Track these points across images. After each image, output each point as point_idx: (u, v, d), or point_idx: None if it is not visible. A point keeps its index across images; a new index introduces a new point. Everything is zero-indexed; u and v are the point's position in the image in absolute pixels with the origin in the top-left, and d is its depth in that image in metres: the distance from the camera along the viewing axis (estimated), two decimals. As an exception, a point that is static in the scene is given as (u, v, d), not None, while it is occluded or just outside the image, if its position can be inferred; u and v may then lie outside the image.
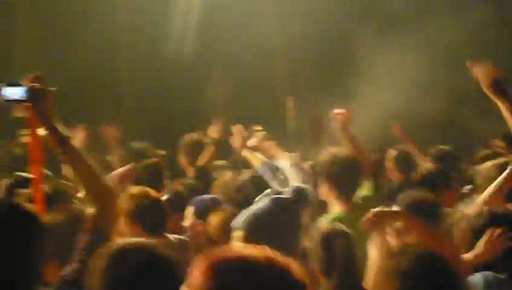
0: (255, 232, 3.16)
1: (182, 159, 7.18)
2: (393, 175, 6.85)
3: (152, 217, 4.41)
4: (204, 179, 6.36)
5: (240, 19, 10.97)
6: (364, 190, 5.41)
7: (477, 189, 4.80)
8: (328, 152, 5.20)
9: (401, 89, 7.71)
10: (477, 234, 3.59)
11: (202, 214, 4.82)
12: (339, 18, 10.74)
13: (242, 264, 1.81)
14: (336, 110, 5.68)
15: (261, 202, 3.35)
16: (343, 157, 5.08)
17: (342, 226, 3.72)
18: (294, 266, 1.84)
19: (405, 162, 6.68)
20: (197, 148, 7.07)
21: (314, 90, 10.35)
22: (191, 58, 11.56)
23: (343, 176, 4.94)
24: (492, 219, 3.60)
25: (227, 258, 1.84)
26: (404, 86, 7.77)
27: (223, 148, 7.05)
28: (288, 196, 3.43)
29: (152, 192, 4.56)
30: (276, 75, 11.97)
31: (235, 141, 6.11)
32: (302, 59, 11.19)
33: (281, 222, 3.26)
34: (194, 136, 7.38)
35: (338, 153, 5.19)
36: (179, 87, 11.61)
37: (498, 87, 3.84)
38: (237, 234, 3.21)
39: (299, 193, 3.50)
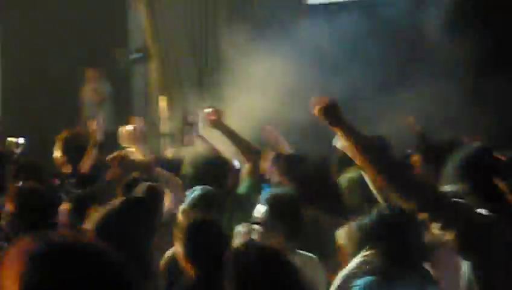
0: (103, 230, 3.20)
1: (58, 158, 7.01)
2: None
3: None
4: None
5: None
6: (245, 188, 5.53)
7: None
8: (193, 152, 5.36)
9: (272, 94, 7.84)
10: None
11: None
12: (211, 21, 10.81)
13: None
14: (206, 110, 5.81)
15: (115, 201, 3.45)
16: (205, 157, 5.26)
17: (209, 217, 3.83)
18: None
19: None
20: (73, 147, 6.95)
21: (186, 91, 10.38)
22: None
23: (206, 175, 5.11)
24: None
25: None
26: (276, 91, 7.90)
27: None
28: (139, 195, 3.56)
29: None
30: (149, 76, 11.93)
31: (124, 141, 6.11)
32: (175, 60, 11.19)
33: (129, 221, 3.31)
34: (69, 133, 7.24)
35: (201, 153, 5.38)
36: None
37: (331, 115, 3.78)
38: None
39: (151, 191, 3.63)
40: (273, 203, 4.06)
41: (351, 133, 3.68)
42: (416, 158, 6.54)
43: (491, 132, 8.28)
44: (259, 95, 7.69)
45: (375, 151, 3.65)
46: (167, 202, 4.96)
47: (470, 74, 9.45)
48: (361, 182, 4.03)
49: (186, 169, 5.55)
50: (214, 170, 5.49)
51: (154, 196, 3.83)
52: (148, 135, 8.26)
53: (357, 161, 3.63)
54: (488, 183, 3.65)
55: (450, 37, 9.27)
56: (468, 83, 9.40)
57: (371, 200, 3.85)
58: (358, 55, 9.69)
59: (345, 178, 4.91)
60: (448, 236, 3.51)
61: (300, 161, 5.74)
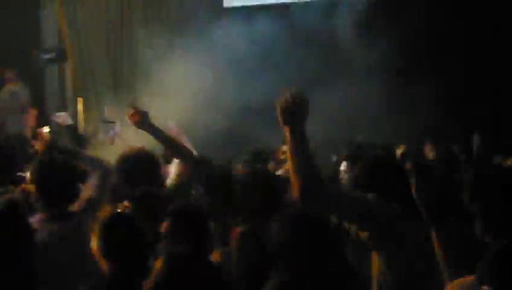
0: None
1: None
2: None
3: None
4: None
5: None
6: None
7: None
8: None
9: (188, 98, 7.81)
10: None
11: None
12: (127, 21, 10.69)
13: None
14: (128, 110, 5.71)
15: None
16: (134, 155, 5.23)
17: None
18: None
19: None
20: None
21: (102, 93, 10.26)
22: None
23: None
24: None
25: None
26: (191, 96, 7.88)
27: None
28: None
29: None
30: (64, 77, 11.73)
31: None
32: (90, 61, 11.03)
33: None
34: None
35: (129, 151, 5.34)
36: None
37: (285, 117, 3.70)
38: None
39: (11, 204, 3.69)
40: (176, 216, 4.03)
41: (298, 137, 3.67)
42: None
43: (408, 134, 8.53)
44: (174, 99, 7.65)
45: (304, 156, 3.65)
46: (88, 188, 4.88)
47: (386, 77, 9.62)
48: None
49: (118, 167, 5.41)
50: (146, 167, 5.40)
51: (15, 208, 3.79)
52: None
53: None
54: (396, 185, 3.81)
55: (365, 41, 9.41)
56: (385, 86, 9.56)
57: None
58: (274, 59, 9.73)
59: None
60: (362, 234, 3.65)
61: (204, 164, 5.71)
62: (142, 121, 5.59)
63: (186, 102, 7.68)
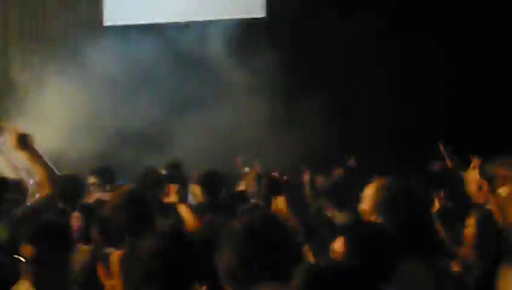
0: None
1: None
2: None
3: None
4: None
5: None
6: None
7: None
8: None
9: (62, 122, 7.62)
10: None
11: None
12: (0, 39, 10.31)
13: None
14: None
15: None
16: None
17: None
18: None
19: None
20: None
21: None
22: None
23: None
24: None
25: None
26: (66, 119, 7.69)
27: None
28: None
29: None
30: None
31: None
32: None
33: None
34: None
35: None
36: None
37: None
38: None
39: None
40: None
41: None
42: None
43: (295, 152, 8.66)
44: (48, 122, 7.44)
45: None
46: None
47: (268, 96, 9.68)
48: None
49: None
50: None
51: None
52: None
53: None
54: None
55: (244, 62, 9.48)
56: (267, 106, 9.62)
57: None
58: (153, 80, 9.66)
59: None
60: None
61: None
62: (22, 143, 5.42)
63: (61, 125, 7.49)
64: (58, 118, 7.62)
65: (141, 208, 4.21)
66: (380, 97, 9.36)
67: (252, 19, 10.13)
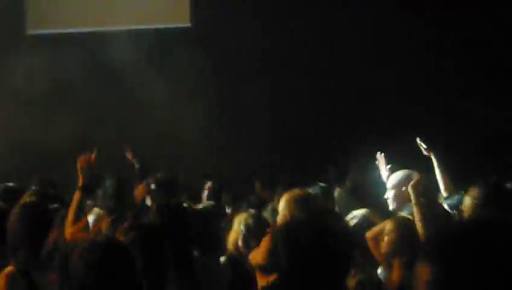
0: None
1: None
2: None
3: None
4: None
5: None
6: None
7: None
8: None
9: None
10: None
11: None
12: None
13: None
14: None
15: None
16: None
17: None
18: None
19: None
20: None
21: None
22: None
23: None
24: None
25: None
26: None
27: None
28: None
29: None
30: None
31: None
32: None
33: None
34: None
35: None
36: None
37: None
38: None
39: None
40: None
41: None
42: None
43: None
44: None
45: None
46: None
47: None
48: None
49: None
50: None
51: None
52: None
53: None
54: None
55: (162, 72, 9.52)
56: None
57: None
58: (73, 92, 9.64)
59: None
60: None
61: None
62: None
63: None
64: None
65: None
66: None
67: (176, 27, 10.15)
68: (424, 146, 5.42)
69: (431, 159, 5.42)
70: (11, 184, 5.86)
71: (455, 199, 4.96)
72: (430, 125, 7.66)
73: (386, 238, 4.10)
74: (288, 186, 5.28)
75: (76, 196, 4.63)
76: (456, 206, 4.71)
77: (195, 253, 4.26)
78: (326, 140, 9.19)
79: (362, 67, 9.43)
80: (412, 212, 4.30)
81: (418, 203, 4.24)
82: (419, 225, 4.13)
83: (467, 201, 4.24)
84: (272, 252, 3.14)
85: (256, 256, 3.39)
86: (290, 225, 3.23)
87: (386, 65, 9.28)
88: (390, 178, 5.34)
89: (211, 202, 6.59)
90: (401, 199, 5.03)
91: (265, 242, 3.34)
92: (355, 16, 9.41)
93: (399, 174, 5.22)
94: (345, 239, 3.26)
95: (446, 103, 9.10)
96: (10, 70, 9.35)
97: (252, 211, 5.00)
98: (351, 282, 3.86)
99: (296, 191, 4.65)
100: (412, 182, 4.38)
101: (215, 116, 9.57)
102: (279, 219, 4.43)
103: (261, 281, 3.36)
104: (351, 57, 9.41)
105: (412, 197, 4.30)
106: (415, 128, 5.90)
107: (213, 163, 8.96)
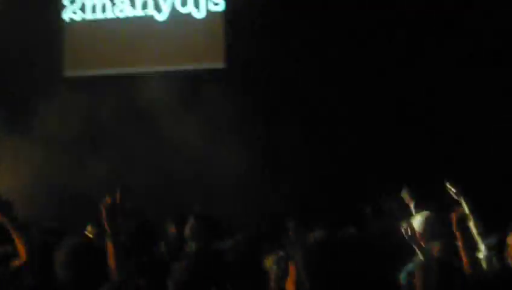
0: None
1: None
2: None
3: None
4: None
5: None
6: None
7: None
8: None
9: (15, 182, 7.59)
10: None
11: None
12: None
13: None
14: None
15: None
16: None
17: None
18: None
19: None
20: None
21: None
22: None
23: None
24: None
25: None
26: (19, 180, 7.66)
27: None
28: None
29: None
30: None
31: None
32: None
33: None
34: None
35: None
36: None
37: None
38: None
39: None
40: None
41: None
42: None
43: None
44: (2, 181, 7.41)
45: None
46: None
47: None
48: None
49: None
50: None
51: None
52: None
53: None
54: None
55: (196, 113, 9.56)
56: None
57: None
58: (109, 134, 9.68)
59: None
60: None
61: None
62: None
63: (15, 184, 7.46)
64: (13, 177, 7.60)
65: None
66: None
67: (210, 68, 10.19)
68: (454, 190, 5.34)
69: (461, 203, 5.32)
70: (50, 224, 5.88)
71: (492, 239, 4.87)
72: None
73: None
74: (324, 226, 5.21)
75: (109, 247, 4.43)
76: (494, 247, 4.62)
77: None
78: (363, 178, 9.08)
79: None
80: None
81: (464, 245, 4.16)
82: (466, 268, 4.03)
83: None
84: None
85: None
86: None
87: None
88: (415, 219, 5.28)
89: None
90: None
91: None
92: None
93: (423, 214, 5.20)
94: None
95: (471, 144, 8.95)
96: (45, 111, 9.42)
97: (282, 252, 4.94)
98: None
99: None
100: (455, 220, 4.29)
101: (251, 156, 9.53)
102: None
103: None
104: (387, 104, 9.34)
105: (459, 238, 4.21)
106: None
107: (250, 202, 8.91)
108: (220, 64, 10.15)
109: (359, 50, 9.44)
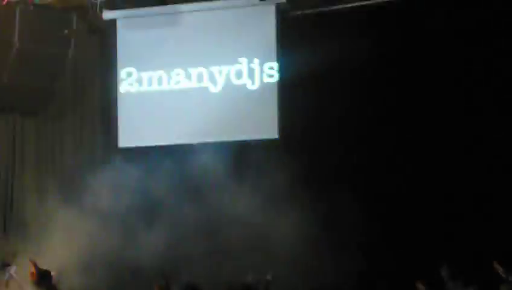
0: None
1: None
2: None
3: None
4: None
5: None
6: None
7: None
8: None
9: (69, 254, 7.62)
10: None
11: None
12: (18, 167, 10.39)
13: None
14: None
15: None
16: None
17: None
18: None
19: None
20: None
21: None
22: None
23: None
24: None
25: None
26: (73, 251, 7.68)
27: None
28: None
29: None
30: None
31: None
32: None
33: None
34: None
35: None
36: None
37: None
38: None
39: None
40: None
41: None
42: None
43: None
44: (56, 252, 7.45)
45: None
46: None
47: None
48: None
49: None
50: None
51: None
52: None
53: None
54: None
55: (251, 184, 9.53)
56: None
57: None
58: (164, 206, 9.69)
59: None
60: None
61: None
62: (41, 281, 5.51)
63: (68, 257, 7.49)
64: (67, 250, 7.64)
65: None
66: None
67: (264, 139, 10.20)
68: (502, 269, 5.24)
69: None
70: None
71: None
72: None
73: None
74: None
75: None
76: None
77: None
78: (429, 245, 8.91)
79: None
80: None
81: None
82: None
83: None
84: None
85: None
86: None
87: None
88: None
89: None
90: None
91: None
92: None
93: None
94: None
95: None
96: (99, 183, 9.52)
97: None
98: None
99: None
100: None
101: (306, 227, 9.44)
102: None
103: None
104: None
105: None
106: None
107: (304, 271, 8.80)
108: (274, 134, 10.14)
109: (413, 126, 9.40)
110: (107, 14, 10.54)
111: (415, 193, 9.30)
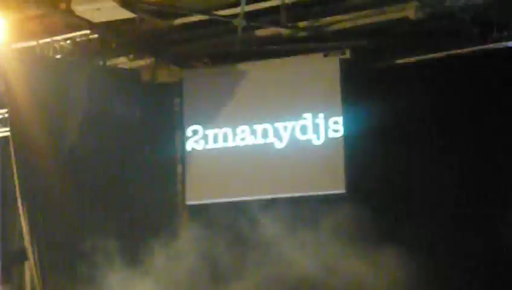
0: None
1: None
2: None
3: None
4: None
5: None
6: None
7: None
8: None
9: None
10: None
11: None
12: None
13: None
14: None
15: None
16: None
17: None
18: None
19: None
20: None
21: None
22: None
23: None
24: None
25: None
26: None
27: None
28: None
29: None
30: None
31: None
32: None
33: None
34: None
35: None
36: None
37: None
38: None
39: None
40: None
41: None
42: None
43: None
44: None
45: None
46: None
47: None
48: None
49: None
50: None
51: None
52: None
53: None
54: None
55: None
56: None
57: None
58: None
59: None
60: None
61: None
62: None
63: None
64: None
65: None
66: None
67: (330, 194, 10.13)
68: None
69: None
70: None
71: None
72: None
73: None
74: None
75: None
76: None
77: None
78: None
79: None
80: None
81: None
82: None
83: None
84: None
85: None
86: None
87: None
88: None
89: None
90: None
91: None
92: None
93: None
94: None
95: None
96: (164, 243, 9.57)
97: None
98: None
99: None
100: None
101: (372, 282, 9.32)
102: None
103: None
104: None
105: None
106: None
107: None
108: (340, 189, 10.08)
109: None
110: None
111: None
